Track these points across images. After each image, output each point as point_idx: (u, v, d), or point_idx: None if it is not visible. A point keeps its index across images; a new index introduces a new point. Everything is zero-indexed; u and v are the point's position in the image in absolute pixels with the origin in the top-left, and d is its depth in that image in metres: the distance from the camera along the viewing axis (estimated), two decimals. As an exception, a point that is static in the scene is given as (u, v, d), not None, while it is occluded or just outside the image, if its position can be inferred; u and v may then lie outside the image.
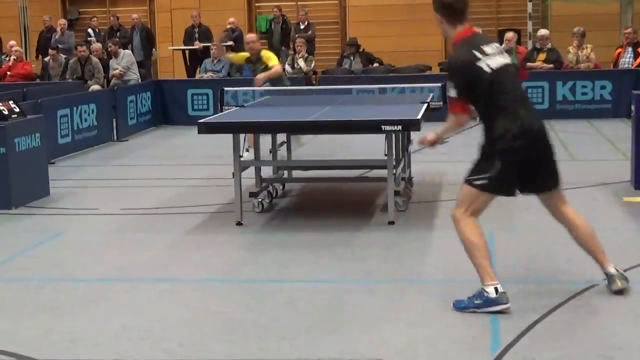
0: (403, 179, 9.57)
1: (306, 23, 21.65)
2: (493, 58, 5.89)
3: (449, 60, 6.02)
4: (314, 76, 18.41)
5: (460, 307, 5.96)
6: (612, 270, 6.18)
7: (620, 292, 6.12)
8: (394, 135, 8.68)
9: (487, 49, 5.91)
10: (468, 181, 5.96)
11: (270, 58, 12.81)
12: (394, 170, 8.67)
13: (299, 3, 24.22)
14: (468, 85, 5.86)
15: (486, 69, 5.82)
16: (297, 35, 20.48)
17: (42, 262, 7.68)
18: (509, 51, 17.92)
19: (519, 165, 5.89)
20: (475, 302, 5.90)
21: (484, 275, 5.89)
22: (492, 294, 5.85)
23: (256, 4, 24.58)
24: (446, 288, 6.44)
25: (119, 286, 6.86)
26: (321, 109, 9.54)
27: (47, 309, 6.30)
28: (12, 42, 19.88)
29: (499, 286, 5.86)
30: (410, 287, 6.62)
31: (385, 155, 8.61)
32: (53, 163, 12.21)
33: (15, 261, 7.70)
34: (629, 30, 18.14)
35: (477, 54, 5.85)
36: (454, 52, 6.10)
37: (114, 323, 5.95)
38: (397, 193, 8.82)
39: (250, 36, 13.56)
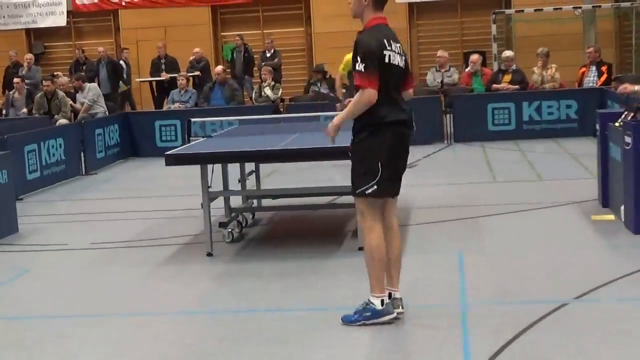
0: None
1: (272, 51, 21.70)
2: (394, 55, 6.10)
3: (362, 38, 6.10)
4: (281, 104, 18.45)
5: (349, 320, 6.16)
6: (398, 294, 6.31)
7: (400, 315, 6.22)
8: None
9: (393, 44, 6.11)
10: None
11: None
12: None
13: (264, 31, 24.31)
14: (377, 66, 5.99)
15: (386, 60, 6.02)
16: (263, 64, 20.53)
17: (10, 299, 7.62)
18: (475, 73, 18.12)
19: None
20: (365, 314, 6.11)
21: (375, 285, 6.10)
22: (379, 306, 6.08)
23: (222, 34, 24.65)
24: (417, 312, 6.44)
25: (91, 321, 6.82)
26: (289, 136, 9.55)
27: (15, 347, 6.24)
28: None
29: (385, 298, 6.11)
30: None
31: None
32: (21, 199, 12.15)
33: (-17, 299, 7.64)
34: (590, 49, 18.31)
35: (386, 43, 6.06)
36: (366, 33, 6.15)
37: (85, 358, 5.91)
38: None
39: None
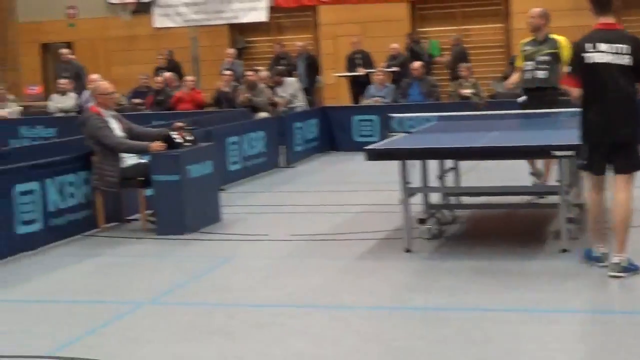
0: (575, 205, 9.33)
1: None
2: (602, 54, 7.12)
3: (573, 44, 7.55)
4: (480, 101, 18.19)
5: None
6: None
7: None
8: (565, 161, 8.46)
9: (602, 45, 7.12)
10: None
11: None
12: (566, 197, 8.48)
13: (460, 27, 24.11)
14: (575, 68, 7.32)
15: (587, 60, 7.15)
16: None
17: (214, 286, 7.83)
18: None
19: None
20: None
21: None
22: None
23: (419, 29, 24.57)
24: (631, 320, 6.22)
25: (290, 311, 6.92)
26: (488, 134, 9.42)
27: (219, 333, 6.41)
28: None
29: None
30: (588, 319, 6.43)
31: (557, 181, 8.45)
32: (223, 189, 12.46)
33: (189, 286, 7.88)
34: None
35: (588, 46, 7.18)
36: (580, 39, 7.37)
37: (286, 349, 6.00)
38: (569, 220, 8.60)
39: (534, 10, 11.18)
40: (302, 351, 5.94)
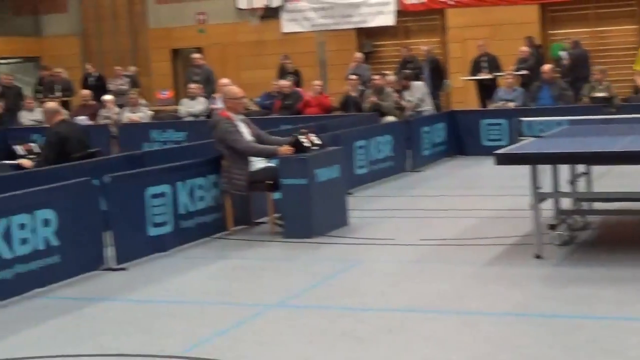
0: None
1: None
2: None
3: None
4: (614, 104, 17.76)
5: None
6: None
7: None
8: None
9: None
10: None
11: None
12: None
13: (595, 29, 23.60)
14: None
15: None
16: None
17: (342, 290, 7.83)
18: None
19: None
20: None
21: None
22: None
23: (550, 32, 24.15)
24: None
25: (417, 317, 6.87)
26: (623, 138, 9.18)
27: (348, 337, 6.41)
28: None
29: None
30: None
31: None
32: (351, 193, 12.46)
33: (317, 289, 7.90)
34: None
35: None
36: None
37: (414, 354, 5.97)
38: None
39: None
40: (430, 357, 5.90)
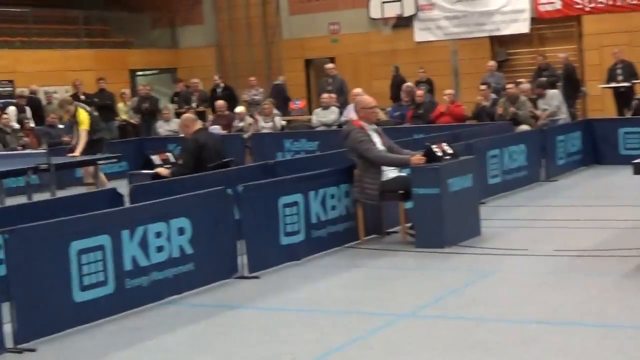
0: None
1: None
2: None
3: None
4: None
5: None
6: None
7: None
8: None
9: None
10: None
11: None
12: None
13: None
14: None
15: None
16: None
17: (474, 301, 7.74)
18: None
19: None
20: None
21: None
22: None
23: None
24: None
25: (552, 329, 6.73)
26: None
27: (479, 349, 6.32)
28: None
29: None
30: None
31: None
32: (484, 203, 12.32)
33: (448, 299, 7.83)
34: None
35: None
36: None
37: (549, 367, 5.85)
38: None
39: None
40: (565, 370, 5.77)
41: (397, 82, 23.25)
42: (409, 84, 21.62)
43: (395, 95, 22.73)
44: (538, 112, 18.13)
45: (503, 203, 13.15)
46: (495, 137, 14.73)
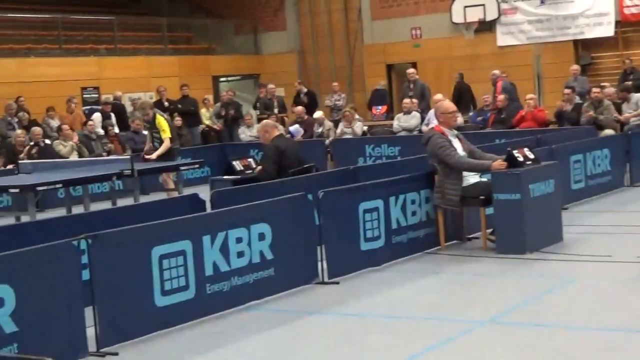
0: None
1: None
2: None
3: None
4: None
5: None
6: None
7: None
8: None
9: None
10: None
11: None
12: None
13: None
14: None
15: None
16: None
17: (555, 307, 7.66)
18: None
19: None
20: None
21: None
22: None
23: None
24: None
25: (637, 337, 6.63)
26: None
27: (560, 356, 6.26)
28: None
29: None
30: None
31: None
32: (566, 208, 12.16)
33: (529, 306, 7.76)
34: None
35: None
36: None
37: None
38: None
39: None
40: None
41: (459, 90, 23.11)
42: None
43: (457, 103, 22.55)
44: (622, 117, 17.84)
45: (586, 209, 12.97)
46: (578, 142, 14.53)
